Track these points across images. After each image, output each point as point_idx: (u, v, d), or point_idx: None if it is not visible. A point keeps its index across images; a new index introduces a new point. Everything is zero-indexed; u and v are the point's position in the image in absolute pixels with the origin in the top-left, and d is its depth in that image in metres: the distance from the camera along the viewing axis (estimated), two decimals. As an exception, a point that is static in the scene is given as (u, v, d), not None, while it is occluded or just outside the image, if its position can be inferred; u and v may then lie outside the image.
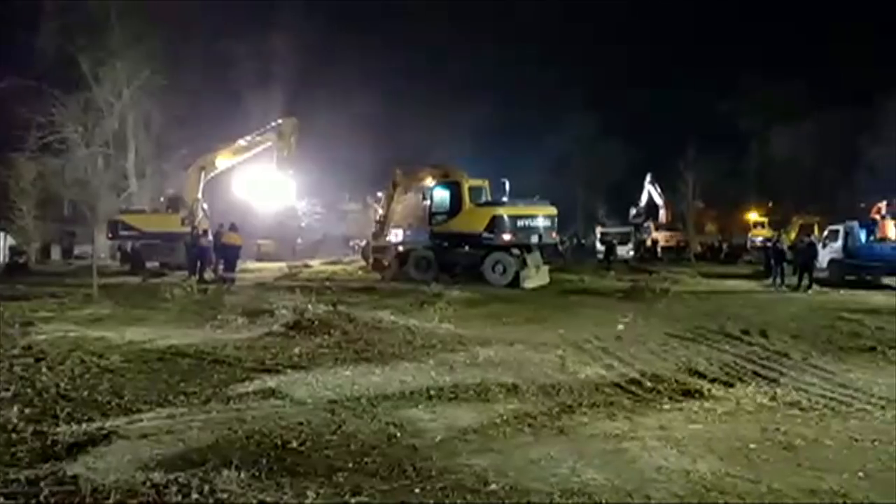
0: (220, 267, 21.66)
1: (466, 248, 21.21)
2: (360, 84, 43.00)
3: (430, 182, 22.65)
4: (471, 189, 21.43)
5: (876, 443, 5.70)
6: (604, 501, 4.39)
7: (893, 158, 37.49)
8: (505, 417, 6.33)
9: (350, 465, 5.01)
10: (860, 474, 4.95)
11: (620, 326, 12.25)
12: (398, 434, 5.75)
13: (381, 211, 26.49)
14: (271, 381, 7.67)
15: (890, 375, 8.49)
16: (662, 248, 41.50)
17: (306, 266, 27.48)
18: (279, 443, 5.44)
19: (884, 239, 22.22)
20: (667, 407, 6.86)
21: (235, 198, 29.51)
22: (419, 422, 6.15)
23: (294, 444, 5.42)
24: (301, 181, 33.85)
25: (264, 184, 27.34)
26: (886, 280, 21.35)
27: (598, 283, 21.43)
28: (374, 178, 37.94)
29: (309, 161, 33.50)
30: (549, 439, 5.71)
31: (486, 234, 20.48)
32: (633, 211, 46.82)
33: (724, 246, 41.57)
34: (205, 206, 27.09)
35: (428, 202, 22.19)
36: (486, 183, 22.41)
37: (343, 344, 9.79)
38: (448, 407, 6.73)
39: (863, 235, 22.47)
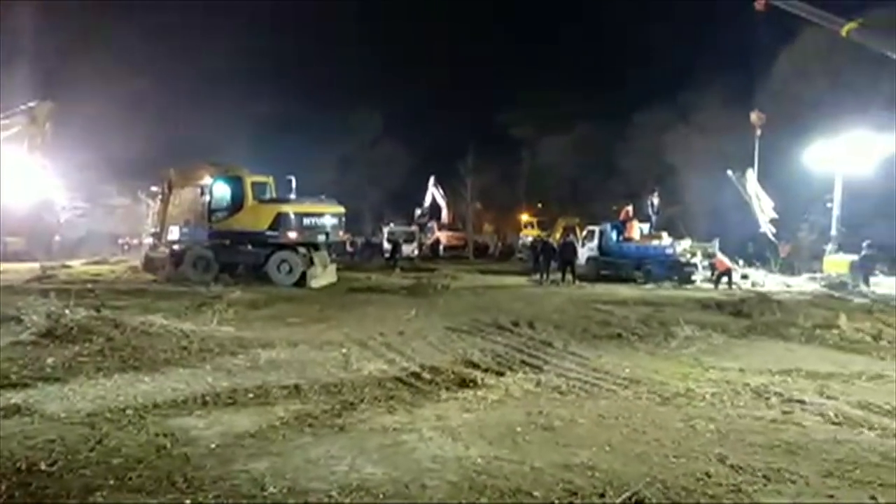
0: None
1: (249, 246, 20.39)
2: (130, 69, 39.22)
3: (208, 179, 21.45)
4: (254, 185, 20.62)
5: (619, 419, 6.48)
6: (381, 494, 4.50)
7: (640, 167, 42.77)
8: (285, 419, 6.22)
9: (111, 482, 4.60)
10: (606, 447, 5.60)
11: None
12: (168, 444, 5.40)
13: (155, 211, 24.58)
14: (16, 397, 6.78)
15: (632, 358, 9.72)
16: (444, 246, 43.35)
17: (65, 267, 24.55)
18: (23, 466, 4.84)
19: (630, 238, 25.25)
20: (444, 397, 7.20)
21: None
22: (192, 430, 5.83)
23: (43, 466, 4.86)
24: (60, 172, 30.25)
25: (13, 174, 24.02)
26: (632, 274, 24.35)
27: (384, 281, 21.82)
28: (146, 170, 35.02)
29: (70, 150, 30.01)
30: (329, 438, 5.72)
31: (270, 233, 19.85)
32: (418, 211, 48.31)
33: (499, 245, 44.57)
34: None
35: (207, 198, 20.99)
36: (271, 179, 21.72)
37: (107, 351, 8.94)
38: (225, 413, 6.45)
39: (614, 235, 25.36)
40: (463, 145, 45.31)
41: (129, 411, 6.32)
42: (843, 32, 21.77)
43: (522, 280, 24.24)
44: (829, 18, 22.53)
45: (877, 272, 22.96)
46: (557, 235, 34.86)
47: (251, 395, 7.10)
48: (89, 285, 17.93)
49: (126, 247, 34.69)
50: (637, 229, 25.45)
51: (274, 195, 21.30)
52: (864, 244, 22.21)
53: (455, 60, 61.52)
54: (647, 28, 52.84)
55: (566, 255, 23.57)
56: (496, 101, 54.90)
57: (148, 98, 39.55)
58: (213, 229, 20.70)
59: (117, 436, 5.60)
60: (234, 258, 20.58)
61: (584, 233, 28.28)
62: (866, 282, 21.23)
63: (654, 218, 26.87)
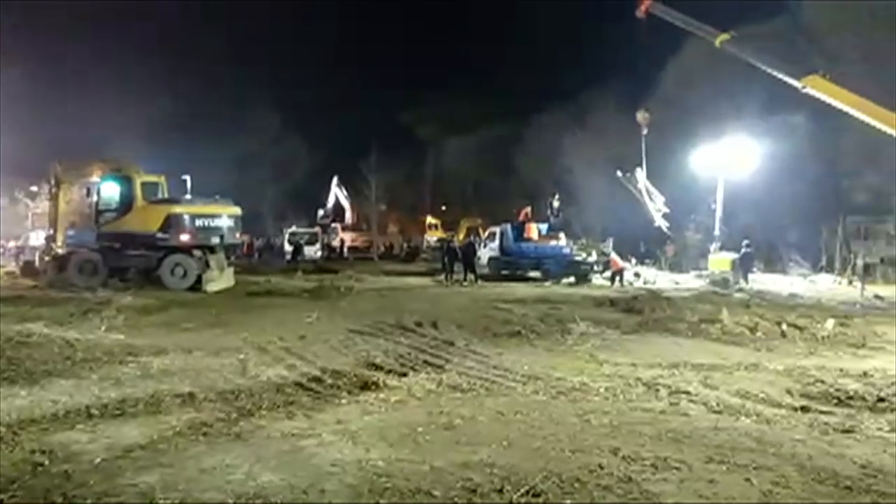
0: None
1: (141, 249, 19.44)
2: (7, 60, 36.36)
3: (96, 178, 20.32)
4: (144, 185, 19.70)
5: (518, 415, 6.62)
6: (278, 501, 4.40)
7: (539, 169, 43.96)
8: (178, 429, 5.96)
9: (-20, 506, 4.26)
10: (505, 444, 5.70)
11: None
12: (46, 462, 5.05)
13: (36, 212, 23.00)
14: None
15: (531, 355, 9.97)
16: (349, 247, 43.00)
17: (-71, 273, 22.61)
18: None
19: (529, 239, 25.93)
20: (345, 401, 7.12)
21: None
22: (74, 445, 5.48)
23: None
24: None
25: None
26: (531, 273, 25.01)
27: (285, 284, 21.35)
28: (24, 169, 32.66)
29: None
30: (225, 446, 5.53)
31: (161, 235, 19.01)
32: (321, 212, 47.67)
33: (404, 246, 44.66)
34: None
35: (94, 198, 19.89)
36: (163, 179, 20.82)
37: (-23, 364, 8.27)
38: (112, 424, 6.11)
39: (514, 236, 25.95)
40: (366, 145, 45.12)
41: (1, 428, 5.86)
42: (717, 43, 23.25)
43: (427, 280, 24.38)
44: (705, 29, 23.96)
45: (755, 269, 24.65)
46: (461, 236, 35.31)
47: (141, 405, 6.76)
48: (-42, 293, 16.59)
49: (1, 250, 32.31)
50: (535, 230, 26.15)
51: (166, 195, 20.43)
52: (744, 243, 23.76)
53: (357, 59, 61.29)
54: (546, 33, 54.58)
55: (467, 255, 23.94)
56: (399, 101, 54.99)
57: (28, 92, 36.83)
58: (101, 231, 19.66)
59: (-12, 455, 5.19)
60: (124, 262, 19.62)
61: (486, 234, 28.79)
62: (745, 278, 22.74)
63: (552, 219, 27.70)
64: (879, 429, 6.27)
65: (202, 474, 4.86)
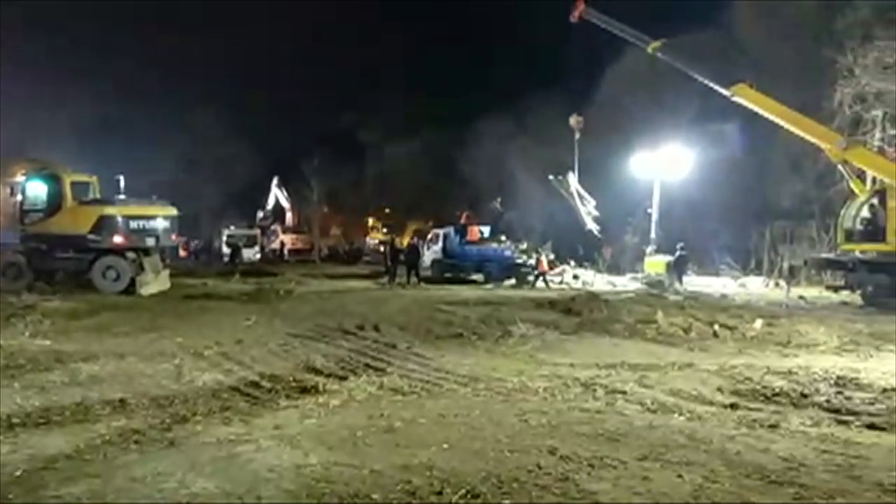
0: None
1: (70, 251, 18.71)
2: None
3: (21, 178, 19.47)
4: (73, 184, 18.98)
5: (458, 417, 6.64)
6: (213, 509, 4.30)
7: (483, 173, 44.21)
8: (107, 437, 5.76)
9: None
10: (445, 446, 5.70)
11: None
12: (-39, 476, 4.81)
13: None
14: None
15: (472, 356, 10.04)
16: (290, 250, 42.37)
17: None
18: None
19: (471, 241, 26.13)
20: (283, 405, 7.02)
21: None
22: (-7, 456, 5.23)
23: None
24: None
25: None
26: (474, 276, 25.20)
27: (222, 287, 20.89)
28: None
29: None
30: (157, 454, 5.37)
31: (92, 236, 18.35)
32: (260, 214, 46.83)
33: (347, 247, 44.31)
34: None
35: (18, 198, 19.05)
36: (95, 179, 20.11)
37: None
38: (35, 434, 5.85)
39: (457, 239, 26.09)
40: (308, 147, 44.51)
41: (-86, 440, 5.56)
42: (649, 49, 24.02)
43: (369, 283, 24.24)
44: (638, 36, 24.73)
45: (689, 272, 25.42)
46: (407, 239, 35.26)
47: (68, 413, 6.50)
48: None
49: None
50: (478, 232, 26.37)
51: (98, 196, 19.73)
52: (678, 246, 24.48)
53: (300, 61, 60.37)
54: (486, 37, 55.14)
55: (411, 258, 23.96)
56: (343, 103, 54.35)
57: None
58: (26, 232, 18.83)
59: None
60: (51, 264, 18.84)
61: (430, 236, 28.87)
62: (680, 280, 23.42)
63: (495, 223, 27.96)
64: (802, 423, 6.55)
65: (133, 483, 4.71)
